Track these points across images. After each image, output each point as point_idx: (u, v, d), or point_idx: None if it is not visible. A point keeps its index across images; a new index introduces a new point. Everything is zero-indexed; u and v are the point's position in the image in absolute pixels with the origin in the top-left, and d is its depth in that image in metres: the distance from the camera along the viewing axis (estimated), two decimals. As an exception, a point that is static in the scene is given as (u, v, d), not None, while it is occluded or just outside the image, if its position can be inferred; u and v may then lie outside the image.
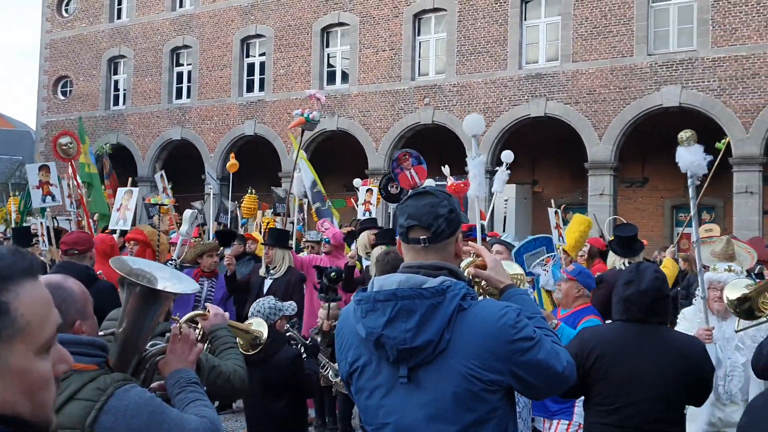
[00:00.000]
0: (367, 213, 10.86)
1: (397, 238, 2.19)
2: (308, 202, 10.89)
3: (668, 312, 3.28)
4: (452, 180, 9.65)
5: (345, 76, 22.60)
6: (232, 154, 13.52)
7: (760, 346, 3.28)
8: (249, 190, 13.46)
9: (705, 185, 7.17)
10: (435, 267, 2.03)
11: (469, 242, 2.72)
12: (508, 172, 9.62)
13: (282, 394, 4.43)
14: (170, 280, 2.37)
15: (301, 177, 10.13)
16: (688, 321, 4.51)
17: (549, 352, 1.95)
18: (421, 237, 2.04)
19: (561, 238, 9.55)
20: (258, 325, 3.81)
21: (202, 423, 2.09)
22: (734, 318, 4.35)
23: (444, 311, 1.92)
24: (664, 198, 20.36)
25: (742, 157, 16.65)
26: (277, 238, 7.07)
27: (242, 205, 13.30)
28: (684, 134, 4.50)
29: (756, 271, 7.92)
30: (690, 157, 4.51)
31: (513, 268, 4.31)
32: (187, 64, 25.55)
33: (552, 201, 12.18)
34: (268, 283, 6.86)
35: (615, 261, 6.46)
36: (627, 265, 5.94)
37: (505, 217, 18.23)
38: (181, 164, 24.75)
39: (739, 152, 16.64)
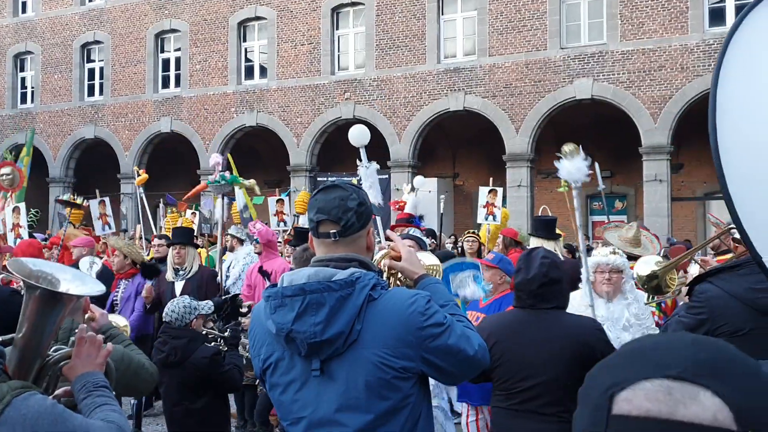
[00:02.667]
0: (282, 224, 10.70)
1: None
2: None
3: (562, 296, 3.31)
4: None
5: (263, 71, 22.29)
6: (142, 171, 13.16)
7: (665, 325, 3.41)
8: (169, 210, 13.28)
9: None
10: (345, 259, 2.03)
11: (387, 233, 2.72)
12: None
13: (202, 393, 4.35)
14: (73, 282, 2.26)
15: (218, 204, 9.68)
16: (574, 307, 4.59)
17: (460, 337, 1.97)
18: (331, 231, 2.03)
19: (493, 217, 9.76)
20: (119, 320, 3.80)
21: (108, 428, 2.01)
22: (621, 299, 4.45)
23: (353, 303, 1.92)
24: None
25: (651, 146, 17.36)
26: (185, 236, 6.79)
27: (165, 226, 13.04)
28: (567, 147, 4.66)
29: (661, 253, 8.26)
30: (568, 168, 4.65)
31: (429, 259, 4.35)
32: (99, 60, 24.66)
33: (496, 183, 12.46)
34: (179, 285, 6.50)
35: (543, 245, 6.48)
36: (555, 249, 6.04)
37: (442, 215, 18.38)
38: (95, 164, 23.91)
39: (648, 142, 17.34)
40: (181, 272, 6.56)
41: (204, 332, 4.51)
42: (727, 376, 0.64)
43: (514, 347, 3.22)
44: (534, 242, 6.30)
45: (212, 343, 4.58)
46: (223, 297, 5.53)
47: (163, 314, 4.35)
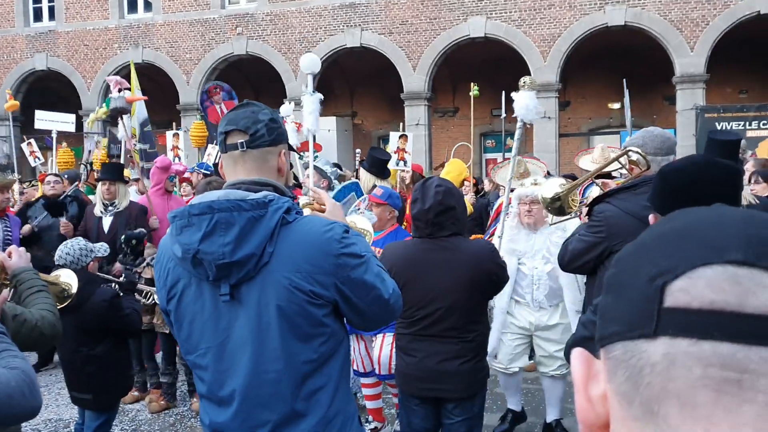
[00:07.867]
0: (177, 159, 10.32)
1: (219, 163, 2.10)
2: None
3: (458, 223, 3.35)
4: (292, 118, 9.50)
5: (148, 4, 21.06)
6: (8, 92, 12.39)
7: (565, 243, 3.53)
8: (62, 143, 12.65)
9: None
10: (258, 183, 1.95)
11: (311, 188, 2.63)
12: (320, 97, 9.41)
13: (102, 338, 4.17)
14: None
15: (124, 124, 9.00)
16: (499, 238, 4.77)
17: (376, 276, 1.93)
18: (239, 141, 1.96)
19: (404, 162, 9.59)
20: (67, 277, 3.52)
21: (13, 375, 1.88)
22: (543, 230, 4.69)
23: (266, 224, 1.84)
24: (473, 126, 21.43)
25: (541, 84, 17.75)
26: (115, 172, 6.78)
27: (58, 160, 12.34)
28: (526, 78, 4.79)
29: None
30: (525, 102, 4.80)
31: (361, 223, 4.30)
32: (-40, -10, 22.54)
33: (401, 125, 12.39)
34: (108, 220, 6.51)
35: (369, 180, 6.10)
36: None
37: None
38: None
39: (538, 80, 17.76)
40: (110, 208, 6.55)
41: (100, 275, 4.31)
42: None
43: (414, 275, 3.28)
44: (364, 176, 6.15)
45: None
46: (137, 230, 5.40)
47: (56, 257, 4.10)
